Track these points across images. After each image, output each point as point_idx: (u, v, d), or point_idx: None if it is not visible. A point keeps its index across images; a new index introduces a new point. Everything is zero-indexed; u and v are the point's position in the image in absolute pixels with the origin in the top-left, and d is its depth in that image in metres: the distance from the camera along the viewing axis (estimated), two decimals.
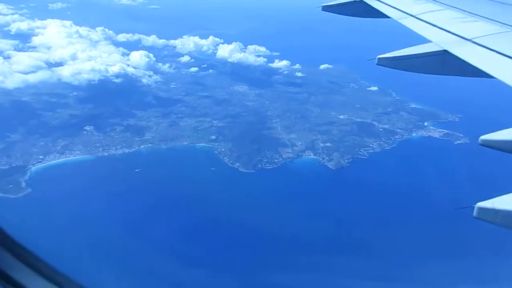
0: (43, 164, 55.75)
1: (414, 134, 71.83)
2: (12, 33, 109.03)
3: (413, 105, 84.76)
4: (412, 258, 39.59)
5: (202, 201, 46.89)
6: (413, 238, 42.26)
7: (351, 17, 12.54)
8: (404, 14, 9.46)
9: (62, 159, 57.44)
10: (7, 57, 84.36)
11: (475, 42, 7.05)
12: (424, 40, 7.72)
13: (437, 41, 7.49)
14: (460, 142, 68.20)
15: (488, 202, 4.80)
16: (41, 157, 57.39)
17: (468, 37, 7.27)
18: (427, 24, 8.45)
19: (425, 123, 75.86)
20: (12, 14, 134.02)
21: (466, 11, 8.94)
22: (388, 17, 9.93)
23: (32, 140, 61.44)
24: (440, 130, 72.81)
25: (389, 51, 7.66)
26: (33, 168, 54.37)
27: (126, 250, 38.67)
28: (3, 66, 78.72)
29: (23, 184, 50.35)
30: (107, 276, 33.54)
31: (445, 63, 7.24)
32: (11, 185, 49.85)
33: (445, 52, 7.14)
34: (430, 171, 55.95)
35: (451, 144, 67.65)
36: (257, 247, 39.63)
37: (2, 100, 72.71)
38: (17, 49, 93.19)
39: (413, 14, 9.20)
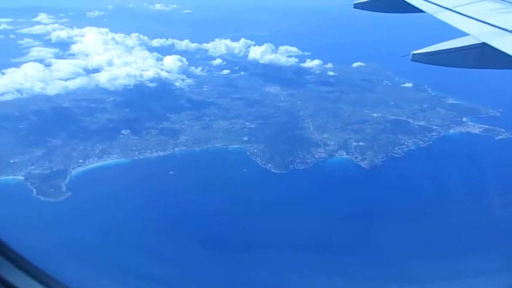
0: (82, 168, 57.74)
1: (451, 131, 69.62)
2: (53, 41, 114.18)
3: (450, 101, 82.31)
4: (457, 258, 38.22)
5: (234, 202, 47.31)
6: (453, 239, 40.82)
7: (383, 13, 12.43)
8: (439, 7, 9.20)
9: (100, 163, 59.33)
10: (48, 65, 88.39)
11: None
12: (461, 34, 7.46)
13: (475, 34, 7.19)
14: (502, 137, 65.59)
15: None
16: (80, 161, 59.53)
17: (509, 28, 6.98)
18: (464, 17, 8.16)
19: (464, 119, 73.40)
20: (53, 23, 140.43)
21: (506, 1, 8.62)
22: (422, 11, 9.76)
23: (72, 144, 63.82)
24: (480, 125, 70.25)
25: (424, 47, 7.43)
26: (73, 172, 56.44)
27: (163, 250, 39.55)
28: (44, 74, 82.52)
29: (64, 188, 52.33)
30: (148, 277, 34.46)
31: (484, 56, 6.93)
32: (52, 189, 51.96)
33: (484, 44, 6.84)
34: (468, 168, 54.08)
35: (492, 139, 65.15)
36: (287, 248, 39.47)
37: (44, 106, 76.00)
38: (57, 56, 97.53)
39: (449, 7, 8.94)
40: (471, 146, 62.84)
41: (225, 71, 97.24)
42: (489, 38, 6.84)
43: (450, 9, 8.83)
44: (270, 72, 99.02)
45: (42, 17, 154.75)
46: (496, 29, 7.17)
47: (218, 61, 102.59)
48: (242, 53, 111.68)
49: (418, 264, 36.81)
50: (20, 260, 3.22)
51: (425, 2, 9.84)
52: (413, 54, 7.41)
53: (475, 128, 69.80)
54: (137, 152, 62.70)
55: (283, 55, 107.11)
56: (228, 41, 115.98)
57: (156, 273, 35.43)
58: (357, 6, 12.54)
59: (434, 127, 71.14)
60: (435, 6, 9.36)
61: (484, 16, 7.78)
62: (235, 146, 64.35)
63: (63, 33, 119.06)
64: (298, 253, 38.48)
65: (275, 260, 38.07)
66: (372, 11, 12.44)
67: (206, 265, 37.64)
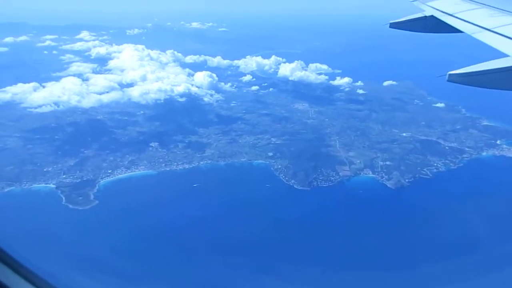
0: (111, 178, 59.48)
1: (484, 153, 67.18)
2: (92, 57, 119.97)
3: (485, 122, 79.84)
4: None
5: (253, 216, 47.41)
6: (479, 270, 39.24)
7: (420, 33, 12.31)
8: (479, 28, 9.01)
9: (128, 174, 60.96)
10: (86, 79, 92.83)
11: None
12: (500, 55, 7.26)
13: None
14: None
15: None
16: (109, 171, 61.39)
17: None
18: (504, 38, 7.94)
19: (498, 141, 70.81)
20: (94, 40, 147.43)
21: None
22: (460, 31, 9.57)
23: (103, 155, 66.00)
24: None
25: (461, 67, 7.23)
26: (101, 181, 58.22)
27: (178, 261, 40.06)
28: (81, 88, 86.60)
29: (92, 197, 53.98)
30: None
31: None
32: (80, 197, 53.72)
33: None
34: (500, 193, 51.91)
35: None
36: (303, 265, 39.05)
37: (79, 118, 79.33)
38: (95, 71, 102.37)
39: (488, 27, 8.74)
40: (504, 170, 60.44)
41: (254, 87, 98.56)
42: None
43: (489, 30, 8.65)
44: (299, 89, 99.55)
45: (84, 34, 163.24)
46: None
47: (248, 78, 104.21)
48: (272, 70, 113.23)
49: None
50: (25, 271, 3.22)
51: (463, 22, 9.74)
52: (450, 75, 7.24)
53: (510, 152, 67.08)
54: (163, 164, 64.06)
55: (312, 73, 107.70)
56: (259, 58, 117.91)
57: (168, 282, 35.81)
58: (393, 26, 12.50)
59: (466, 149, 68.91)
60: (474, 26, 9.23)
61: None
62: (260, 161, 64.63)
63: (102, 50, 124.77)
64: (311, 268, 38.08)
65: (287, 273, 37.84)
66: (408, 30, 12.39)
67: (216, 274, 37.75)
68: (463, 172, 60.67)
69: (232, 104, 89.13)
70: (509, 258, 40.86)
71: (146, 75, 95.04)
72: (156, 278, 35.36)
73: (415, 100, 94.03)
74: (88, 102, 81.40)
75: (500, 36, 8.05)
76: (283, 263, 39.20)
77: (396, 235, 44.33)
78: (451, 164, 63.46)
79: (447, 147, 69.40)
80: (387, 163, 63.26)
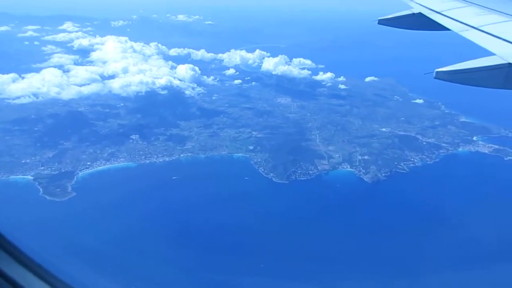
0: (89, 170, 59.27)
1: (460, 149, 68.70)
2: (75, 48, 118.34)
3: (463, 119, 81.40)
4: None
5: (229, 209, 47.87)
6: (436, 255, 40.44)
7: (408, 30, 12.39)
8: (466, 26, 9.09)
9: (107, 166, 60.81)
10: (67, 71, 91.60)
11: None
12: (487, 53, 7.32)
13: (501, 54, 7.05)
14: (511, 158, 64.22)
15: None
16: (88, 163, 61.16)
17: None
18: (491, 36, 8.05)
19: (474, 138, 72.41)
20: (77, 31, 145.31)
21: None
22: (448, 29, 9.66)
23: (82, 147, 65.65)
24: (490, 145, 69.12)
25: (447, 64, 7.27)
26: (80, 173, 58.00)
27: (152, 251, 40.34)
28: (62, 79, 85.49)
29: (69, 189, 53.84)
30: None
31: (510, 76, 6.82)
32: (58, 189, 53.54)
33: (510, 65, 6.74)
34: (472, 187, 53.27)
35: (501, 160, 63.99)
36: (271, 258, 39.71)
37: (60, 110, 78.45)
38: (77, 63, 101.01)
39: (475, 26, 8.84)
40: (478, 166, 61.98)
41: (237, 81, 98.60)
42: None
43: (476, 28, 8.73)
44: (282, 84, 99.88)
45: (67, 25, 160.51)
46: None
47: (231, 71, 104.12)
48: (256, 64, 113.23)
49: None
50: (19, 254, 3.25)
51: (451, 20, 9.84)
52: (437, 72, 7.26)
53: (485, 148, 68.66)
54: (143, 157, 64.05)
55: (296, 67, 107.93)
56: (243, 52, 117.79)
57: (142, 272, 36.07)
58: (382, 22, 12.50)
59: (443, 144, 70.31)
60: (461, 24, 9.32)
61: (511, 37, 7.75)
62: (240, 154, 65.05)
63: (85, 41, 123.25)
64: (279, 261, 38.77)
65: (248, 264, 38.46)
66: (396, 27, 12.51)
67: (185, 265, 38.17)
68: (439, 167, 62.00)
69: (214, 98, 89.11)
70: (477, 249, 42.27)
71: (128, 67, 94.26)
72: (125, 270, 35.44)
73: (396, 96, 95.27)
74: (68, 94, 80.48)
75: (487, 35, 8.20)
76: (251, 256, 39.85)
77: (366, 228, 45.21)
78: (427, 159, 64.75)
79: (424, 143, 70.67)
80: (365, 157, 64.21)
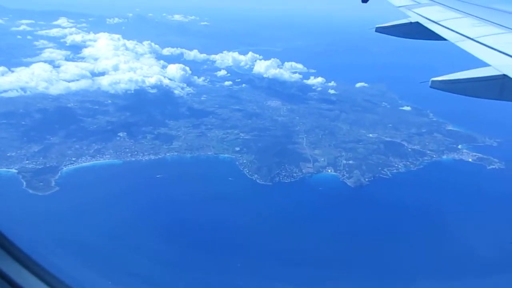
0: (74, 166, 59.34)
1: (444, 156, 69.39)
2: (67, 44, 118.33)
3: (449, 127, 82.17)
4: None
5: (209, 208, 48.15)
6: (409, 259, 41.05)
7: (405, 39, 12.42)
8: (462, 36, 9.08)
9: (92, 162, 60.90)
10: (57, 66, 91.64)
11: None
12: (482, 64, 7.28)
13: (497, 65, 7.04)
14: (494, 167, 65.03)
15: None
16: (74, 159, 61.28)
17: None
18: (486, 47, 8.03)
19: (459, 146, 73.16)
20: (71, 27, 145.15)
21: None
22: (444, 39, 9.64)
23: (69, 143, 65.73)
24: (474, 153, 69.82)
25: (442, 74, 7.30)
26: (64, 169, 58.07)
27: (128, 245, 40.57)
28: (51, 74, 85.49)
29: (53, 183, 53.96)
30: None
31: (505, 88, 6.79)
32: (41, 183, 53.64)
33: (505, 76, 6.69)
34: (452, 195, 54.00)
35: (483, 168, 64.68)
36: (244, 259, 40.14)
37: (49, 106, 78.42)
38: (68, 59, 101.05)
39: (471, 36, 8.82)
40: (460, 173, 62.54)
41: (228, 83, 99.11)
42: (510, 70, 6.74)
43: (472, 39, 8.72)
44: (273, 87, 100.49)
45: (62, 21, 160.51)
46: None
47: (222, 73, 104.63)
48: (248, 66, 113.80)
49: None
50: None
51: (447, 30, 9.84)
52: (432, 81, 7.29)
53: (469, 156, 69.39)
54: (129, 154, 64.22)
55: (287, 71, 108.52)
56: (236, 54, 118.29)
57: (120, 266, 36.27)
58: (379, 30, 12.55)
59: (428, 151, 70.99)
60: (458, 34, 9.33)
61: (506, 48, 7.74)
62: (226, 155, 65.39)
63: (78, 37, 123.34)
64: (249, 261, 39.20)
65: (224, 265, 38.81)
66: (394, 36, 12.57)
67: (163, 261, 38.43)
68: (421, 173, 62.65)
69: (203, 98, 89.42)
70: (454, 254, 42.89)
71: (119, 64, 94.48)
72: (102, 265, 35.60)
73: (384, 103, 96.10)
74: (56, 89, 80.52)
75: (482, 46, 8.21)
76: (227, 255, 40.16)
77: (343, 231, 45.69)
78: (411, 165, 65.38)
79: (409, 149, 71.29)
80: (350, 162, 64.73)
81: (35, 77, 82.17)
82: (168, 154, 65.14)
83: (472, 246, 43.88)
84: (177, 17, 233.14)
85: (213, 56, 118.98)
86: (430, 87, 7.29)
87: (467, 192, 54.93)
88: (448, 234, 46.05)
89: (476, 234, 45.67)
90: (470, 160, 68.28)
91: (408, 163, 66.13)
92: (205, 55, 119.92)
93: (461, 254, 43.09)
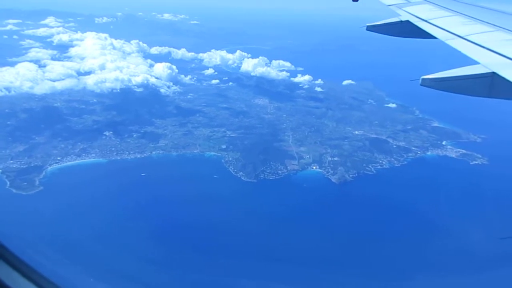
0: (59, 165, 59.20)
1: (429, 153, 70.14)
2: (54, 44, 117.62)
3: (435, 124, 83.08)
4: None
5: (194, 205, 48.42)
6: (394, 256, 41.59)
7: (396, 37, 12.60)
8: (452, 35, 9.26)
9: (77, 161, 60.80)
10: (43, 66, 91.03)
11: None
12: (471, 62, 7.45)
13: (486, 63, 7.21)
14: (477, 163, 65.86)
15: None
16: (59, 158, 61.09)
17: None
18: (476, 46, 8.22)
19: (444, 142, 73.99)
20: (58, 26, 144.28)
21: None
22: (434, 37, 9.82)
23: (54, 142, 65.52)
24: (458, 149, 70.67)
25: (432, 72, 7.41)
26: (49, 168, 57.91)
27: (104, 245, 40.65)
28: (36, 74, 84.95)
29: (37, 183, 53.75)
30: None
31: (493, 85, 6.91)
32: (25, 183, 53.38)
33: (494, 74, 6.84)
34: (434, 190, 54.69)
35: (467, 164, 65.48)
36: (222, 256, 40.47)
37: (35, 105, 78.03)
38: (54, 58, 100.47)
39: (461, 35, 9.01)
40: (443, 169, 63.36)
41: (215, 81, 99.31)
42: (499, 68, 6.85)
43: (462, 37, 8.87)
44: (260, 85, 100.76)
45: (50, 20, 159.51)
46: (507, 59, 7.21)
47: (210, 71, 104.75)
48: (236, 64, 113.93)
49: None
50: None
51: (437, 29, 10.01)
52: (423, 79, 7.37)
53: (453, 152, 70.22)
54: (115, 153, 64.21)
55: (275, 69, 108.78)
56: (223, 53, 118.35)
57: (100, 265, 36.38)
58: (370, 28, 12.73)
59: (413, 148, 71.68)
60: (448, 33, 9.49)
61: (495, 46, 7.85)
62: (212, 153, 65.58)
63: (65, 37, 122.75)
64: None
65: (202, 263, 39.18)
66: (384, 34, 12.74)
67: (144, 259, 38.64)
68: (405, 169, 63.37)
69: (189, 97, 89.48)
70: (438, 250, 43.50)
71: (105, 64, 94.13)
72: (83, 266, 35.66)
73: (371, 100, 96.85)
74: (41, 88, 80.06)
75: (472, 44, 8.39)
76: (206, 253, 40.46)
77: (326, 226, 46.14)
78: (395, 162, 66.04)
79: (394, 146, 71.99)
80: (335, 159, 65.25)
81: (20, 76, 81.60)
82: (154, 153, 65.15)
83: (455, 241, 44.54)
84: (166, 16, 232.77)
85: (201, 55, 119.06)
86: (421, 85, 7.41)
87: (449, 187, 55.47)
88: (430, 228, 46.82)
89: (458, 228, 46.49)
90: (454, 156, 69.10)
91: (392, 159, 66.80)
92: (193, 53, 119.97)
93: (445, 249, 43.59)
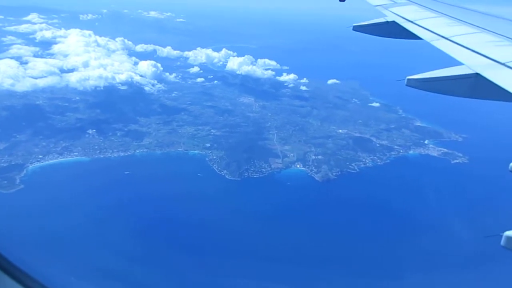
0: (40, 163, 58.49)
1: (411, 152, 71.07)
2: (37, 40, 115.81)
3: (418, 123, 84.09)
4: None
5: (177, 203, 48.34)
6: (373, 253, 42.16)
7: (382, 37, 12.60)
8: (437, 36, 9.33)
9: (59, 159, 60.16)
10: (24, 63, 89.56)
11: (509, 66, 6.89)
12: (456, 63, 7.53)
13: (469, 64, 7.32)
14: (458, 161, 66.97)
15: None
16: (40, 156, 60.38)
17: (502, 61, 7.10)
18: (460, 47, 8.31)
19: (426, 141, 75.00)
20: (41, 23, 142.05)
21: (502, 35, 8.82)
22: (420, 38, 9.87)
23: (36, 140, 64.69)
24: (440, 148, 71.72)
25: (417, 72, 7.49)
26: (30, 166, 57.20)
27: (83, 244, 40.41)
28: (18, 71, 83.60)
29: (18, 181, 53.08)
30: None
31: (477, 86, 7.00)
32: (5, 181, 52.67)
33: (477, 75, 6.93)
34: (416, 188, 55.55)
35: (448, 163, 66.53)
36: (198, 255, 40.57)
37: (16, 103, 76.87)
38: (36, 55, 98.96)
39: (446, 36, 9.09)
40: (424, 168, 64.30)
41: (200, 79, 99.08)
42: (483, 69, 6.98)
43: (446, 38, 8.96)
44: (246, 83, 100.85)
45: (33, 16, 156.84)
46: (490, 61, 7.30)
47: (195, 69, 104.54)
48: (221, 63, 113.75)
49: None
50: None
51: (423, 30, 10.07)
52: (408, 80, 7.45)
53: (435, 151, 71.26)
54: (98, 151, 63.70)
55: (260, 68, 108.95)
56: (209, 51, 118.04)
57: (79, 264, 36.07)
58: (356, 28, 12.73)
59: (396, 147, 72.52)
60: (433, 34, 9.56)
61: (479, 48, 7.95)
62: (196, 151, 65.50)
63: (48, 33, 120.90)
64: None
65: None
66: (370, 34, 12.72)
67: (124, 258, 38.47)
68: (388, 168, 64.10)
69: (174, 95, 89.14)
70: (417, 247, 44.12)
71: (89, 61, 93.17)
72: (63, 264, 35.34)
73: (355, 99, 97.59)
74: (23, 86, 78.88)
75: (456, 45, 8.48)
76: (188, 251, 40.49)
77: (308, 224, 46.51)
78: (378, 160, 66.76)
79: (378, 145, 72.74)
80: (319, 157, 65.67)
81: (0, 73, 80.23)
82: (138, 151, 64.80)
83: (438, 239, 45.12)
84: (152, 13, 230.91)
85: (186, 53, 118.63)
86: (406, 85, 7.47)
87: (430, 185, 56.28)
88: (412, 226, 47.49)
89: (440, 226, 47.23)
90: (435, 154, 70.15)
91: (375, 158, 67.51)
92: (178, 52, 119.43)
93: (427, 248, 44.11)
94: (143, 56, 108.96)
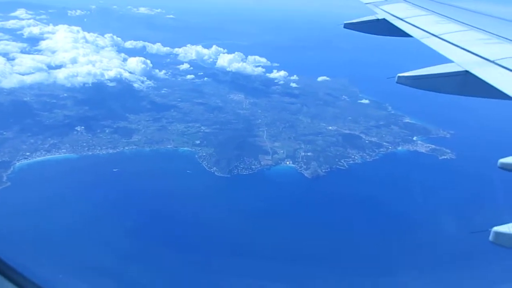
0: (28, 161, 57.91)
1: (400, 148, 71.56)
2: (24, 36, 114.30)
3: (407, 120, 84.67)
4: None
5: (166, 200, 48.22)
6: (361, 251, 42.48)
7: (372, 35, 12.64)
8: (427, 33, 9.45)
9: (47, 157, 59.62)
10: (12, 59, 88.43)
11: (498, 64, 6.97)
12: (446, 60, 7.64)
13: (459, 62, 7.41)
14: (445, 157, 67.61)
15: (505, 227, 4.73)
16: (28, 153, 59.75)
17: (491, 59, 7.21)
18: (450, 44, 8.42)
19: (414, 138, 75.56)
20: (29, 19, 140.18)
21: (491, 33, 8.91)
22: (410, 36, 9.97)
23: (23, 137, 63.98)
24: (428, 145, 72.34)
25: (407, 70, 7.54)
26: (17, 163, 56.59)
27: (69, 242, 40.16)
28: (4, 67, 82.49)
29: (4, 178, 52.43)
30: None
31: (466, 83, 7.09)
32: None
33: (467, 72, 7.02)
34: (403, 184, 56.06)
35: (435, 159, 67.14)
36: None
37: (3, 100, 76.07)
38: (24, 51, 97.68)
39: (436, 33, 9.20)
40: (412, 164, 64.94)
41: (190, 76, 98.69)
42: (472, 67, 7.06)
43: (436, 36, 9.06)
44: (236, 80, 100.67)
45: (20, 12, 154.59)
46: (479, 58, 7.42)
47: (185, 66, 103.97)
48: (211, 60, 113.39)
49: None
50: None
51: (413, 27, 10.16)
52: (399, 77, 7.51)
53: (423, 147, 71.87)
54: (86, 149, 63.24)
55: (250, 65, 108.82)
56: (199, 48, 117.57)
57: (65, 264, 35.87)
58: (347, 26, 12.71)
59: (384, 143, 73.01)
60: (423, 31, 9.65)
61: (468, 45, 8.06)
62: (186, 148, 65.30)
63: (35, 29, 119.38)
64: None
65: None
66: (361, 32, 12.65)
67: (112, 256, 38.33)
68: (377, 164, 64.54)
69: (164, 92, 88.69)
70: (404, 244, 44.52)
71: (77, 57, 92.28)
72: (51, 262, 35.13)
73: (345, 97, 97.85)
74: (9, 82, 77.90)
75: (446, 43, 8.57)
76: (174, 248, 40.45)
77: (298, 221, 46.69)
78: (367, 157, 67.15)
79: (367, 141, 73.15)
80: (309, 154, 65.88)
81: None
82: (127, 148, 64.40)
83: (426, 235, 45.59)
84: (142, 10, 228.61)
85: (176, 50, 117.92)
86: (397, 82, 7.52)
87: (418, 181, 56.75)
88: (400, 222, 47.94)
89: (428, 222, 47.77)
90: (424, 151, 70.73)
91: (364, 154, 67.90)
92: (168, 48, 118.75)
93: (415, 244, 44.57)
94: (132, 52, 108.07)
